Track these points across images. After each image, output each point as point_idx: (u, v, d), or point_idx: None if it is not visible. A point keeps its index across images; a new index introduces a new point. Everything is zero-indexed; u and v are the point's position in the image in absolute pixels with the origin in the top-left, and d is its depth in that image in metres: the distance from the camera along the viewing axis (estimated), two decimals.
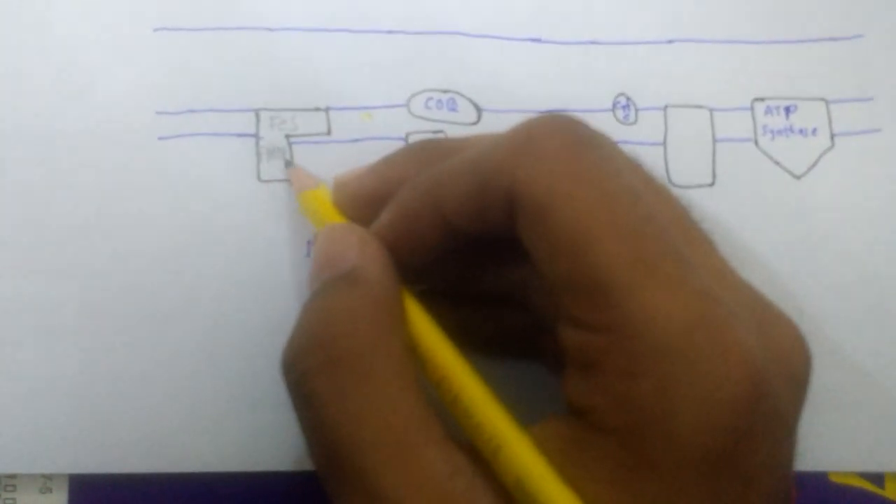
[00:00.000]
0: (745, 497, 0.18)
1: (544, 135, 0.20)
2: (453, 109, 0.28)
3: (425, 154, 0.24)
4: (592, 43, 0.29)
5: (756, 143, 0.29)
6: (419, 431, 0.19)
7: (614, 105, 0.29)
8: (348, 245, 0.22)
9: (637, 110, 0.29)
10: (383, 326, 0.21)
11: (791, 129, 0.29)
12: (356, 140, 0.28)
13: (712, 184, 0.28)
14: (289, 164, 0.27)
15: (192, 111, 0.27)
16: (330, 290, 0.21)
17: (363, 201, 0.24)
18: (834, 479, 0.28)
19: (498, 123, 0.28)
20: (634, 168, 0.21)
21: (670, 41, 0.29)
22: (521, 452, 0.19)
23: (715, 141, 0.29)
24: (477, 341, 0.24)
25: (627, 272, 0.18)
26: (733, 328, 0.18)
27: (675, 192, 0.28)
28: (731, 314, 0.19)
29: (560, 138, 0.20)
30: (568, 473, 0.19)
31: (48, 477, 0.27)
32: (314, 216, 0.25)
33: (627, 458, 0.18)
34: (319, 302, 0.21)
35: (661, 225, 0.19)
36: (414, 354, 0.21)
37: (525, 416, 0.20)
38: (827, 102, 0.29)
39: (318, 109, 0.28)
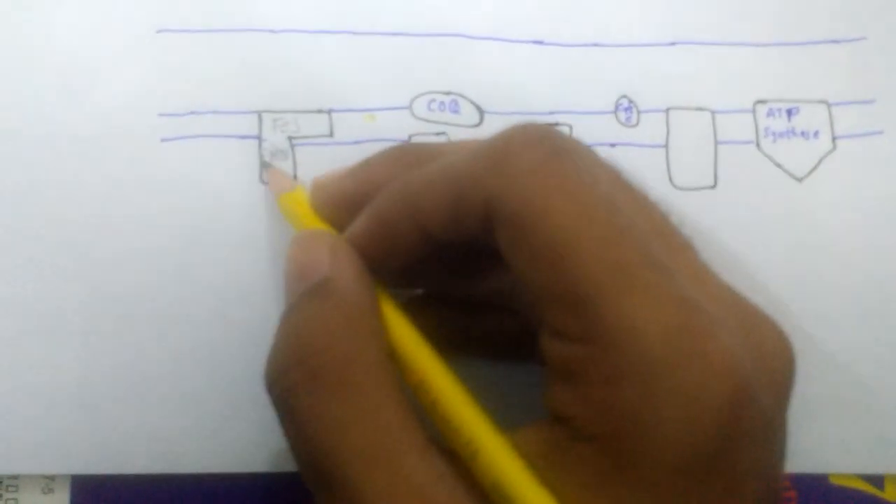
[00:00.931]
0: (731, 502, 0.18)
1: (520, 146, 0.20)
2: (455, 111, 0.28)
3: (404, 158, 0.24)
4: (594, 45, 0.29)
5: (758, 145, 0.29)
6: (401, 439, 0.20)
7: (616, 107, 0.29)
8: (319, 254, 0.22)
9: (639, 112, 0.29)
10: (359, 337, 0.21)
11: (793, 132, 0.29)
12: (358, 142, 0.28)
13: (714, 186, 0.28)
14: (265, 164, 0.27)
15: (194, 113, 0.27)
16: (303, 305, 0.21)
17: (341, 204, 0.24)
18: (834, 480, 0.28)
19: (500, 125, 0.27)
20: (612, 176, 0.21)
21: (672, 43, 0.29)
22: (498, 456, 0.19)
23: (717, 143, 0.29)
24: (468, 345, 0.24)
25: (606, 282, 0.18)
26: (715, 335, 0.18)
27: (677, 194, 0.28)
28: (713, 321, 0.19)
29: (536, 150, 0.20)
30: (547, 478, 0.19)
31: (50, 477, 0.27)
32: (293, 219, 0.25)
33: (607, 465, 0.18)
34: (294, 317, 0.21)
35: (640, 233, 0.19)
36: (393, 360, 0.21)
37: (514, 419, 0.20)
38: (829, 105, 0.29)
39: (320, 111, 0.28)
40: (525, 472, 0.19)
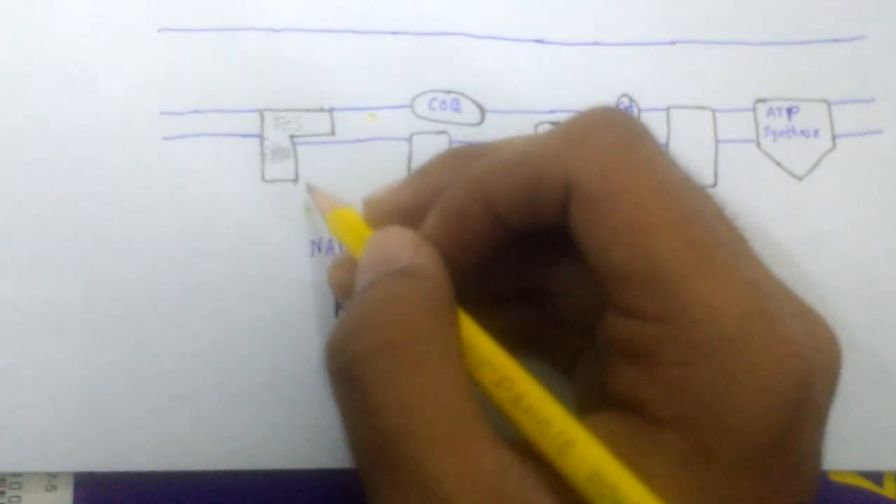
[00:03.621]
0: (792, 483, 0.19)
1: (599, 128, 0.20)
2: (457, 110, 0.28)
3: (460, 161, 0.24)
4: (596, 44, 0.29)
5: (758, 144, 0.29)
6: (471, 425, 0.19)
7: (617, 106, 0.29)
8: (404, 245, 0.22)
9: (640, 111, 0.29)
10: (440, 318, 0.20)
11: (793, 131, 0.29)
12: (360, 140, 0.28)
13: (714, 185, 0.28)
14: (310, 188, 0.27)
15: (196, 111, 0.28)
16: (387, 281, 0.21)
17: (400, 215, 0.24)
18: (834, 477, 0.28)
19: (501, 124, 0.28)
20: (677, 164, 0.22)
21: (673, 42, 0.29)
22: (594, 446, 0.19)
23: (717, 142, 0.29)
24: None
25: (685, 261, 0.19)
26: (784, 320, 0.19)
27: None
28: (780, 307, 0.19)
29: (615, 131, 0.20)
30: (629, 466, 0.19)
31: (53, 475, 0.27)
32: (346, 234, 0.24)
33: (687, 449, 0.18)
34: (375, 291, 0.21)
35: (712, 217, 0.20)
36: (464, 355, 0.21)
37: None
38: (829, 104, 0.29)
39: (322, 110, 0.28)
40: (619, 461, 0.19)
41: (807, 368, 0.19)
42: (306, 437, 0.27)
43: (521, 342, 0.25)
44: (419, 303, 0.20)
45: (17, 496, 0.27)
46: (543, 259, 0.24)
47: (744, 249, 0.21)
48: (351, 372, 0.19)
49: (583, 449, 0.19)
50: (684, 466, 0.18)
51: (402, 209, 0.24)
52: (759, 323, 0.18)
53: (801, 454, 0.19)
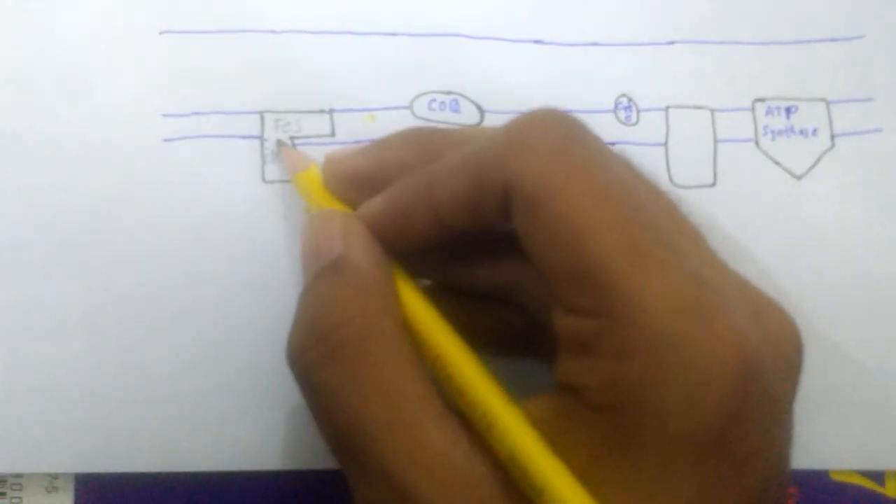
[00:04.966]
0: (738, 480, 0.19)
1: (538, 130, 0.21)
2: (456, 111, 0.28)
3: (421, 141, 0.24)
4: (594, 44, 0.29)
5: (757, 143, 0.29)
6: (418, 407, 0.20)
7: (616, 106, 0.29)
8: (331, 233, 0.22)
9: (639, 111, 0.29)
10: (373, 311, 0.21)
11: (792, 130, 0.29)
12: (360, 142, 0.28)
13: (713, 184, 0.29)
14: (281, 143, 0.27)
15: (197, 113, 0.28)
16: (318, 283, 0.22)
17: (354, 181, 0.25)
18: (834, 476, 0.28)
19: (500, 125, 0.28)
20: (624, 162, 0.22)
21: (671, 42, 0.29)
22: (512, 430, 0.20)
23: (716, 141, 0.29)
24: (473, 338, 0.25)
25: (620, 259, 0.19)
26: (725, 312, 0.19)
27: (676, 192, 0.28)
28: (723, 299, 0.19)
29: (553, 133, 0.21)
30: (556, 443, 0.19)
31: (54, 476, 0.27)
32: (307, 197, 0.26)
33: (613, 435, 0.19)
34: (310, 295, 0.22)
35: (653, 214, 0.20)
36: (410, 333, 0.22)
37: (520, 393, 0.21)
38: (827, 103, 0.29)
39: (322, 111, 0.28)
40: (539, 444, 0.19)
41: (750, 361, 0.18)
42: (307, 438, 0.27)
43: (509, 342, 0.26)
44: (350, 300, 0.21)
45: (18, 497, 0.27)
46: (511, 259, 0.24)
47: (693, 244, 0.21)
48: (307, 380, 0.21)
49: (502, 431, 0.20)
50: (607, 451, 0.19)
51: (359, 174, 0.24)
52: (694, 318, 0.19)
53: (749, 447, 0.19)
